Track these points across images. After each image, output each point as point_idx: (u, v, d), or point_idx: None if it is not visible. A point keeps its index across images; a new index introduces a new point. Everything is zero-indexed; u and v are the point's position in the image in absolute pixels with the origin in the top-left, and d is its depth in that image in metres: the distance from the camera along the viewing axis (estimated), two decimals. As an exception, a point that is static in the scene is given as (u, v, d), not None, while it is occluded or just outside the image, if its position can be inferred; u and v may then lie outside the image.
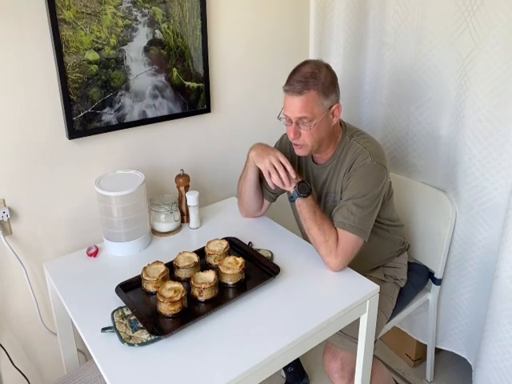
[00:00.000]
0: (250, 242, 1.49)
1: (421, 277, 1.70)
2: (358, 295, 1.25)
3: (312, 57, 1.99)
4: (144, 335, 1.10)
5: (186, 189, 1.62)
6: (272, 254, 1.43)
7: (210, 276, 1.24)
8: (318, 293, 1.27)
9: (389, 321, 1.53)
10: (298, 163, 1.52)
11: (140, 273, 1.28)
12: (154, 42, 1.52)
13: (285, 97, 1.31)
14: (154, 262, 1.31)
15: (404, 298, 1.60)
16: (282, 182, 1.37)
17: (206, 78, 1.69)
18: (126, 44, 1.47)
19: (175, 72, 1.60)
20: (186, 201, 1.58)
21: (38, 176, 1.44)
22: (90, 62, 1.41)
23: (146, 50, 1.52)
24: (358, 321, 1.30)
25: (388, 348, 2.07)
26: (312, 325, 1.14)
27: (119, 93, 1.50)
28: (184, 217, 1.63)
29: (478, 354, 1.55)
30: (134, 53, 1.49)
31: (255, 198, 1.57)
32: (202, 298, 1.21)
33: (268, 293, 1.26)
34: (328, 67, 1.32)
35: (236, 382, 1.01)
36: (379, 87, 1.82)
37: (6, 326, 1.50)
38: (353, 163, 1.35)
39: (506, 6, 1.30)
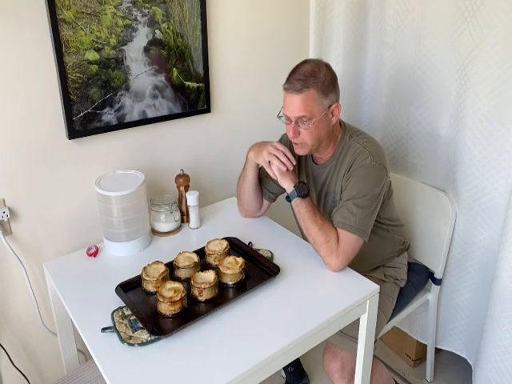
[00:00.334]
0: (250, 242, 1.49)
1: (421, 277, 1.70)
2: (357, 295, 1.25)
3: (312, 57, 1.99)
4: (144, 335, 1.10)
5: (186, 189, 1.62)
6: (272, 254, 1.43)
7: (210, 276, 1.24)
8: (318, 293, 1.27)
9: (389, 321, 1.53)
10: (297, 163, 1.52)
11: (140, 273, 1.28)
12: (153, 42, 1.52)
13: (284, 95, 1.31)
14: (154, 262, 1.31)
15: (404, 298, 1.60)
16: (284, 165, 1.35)
17: (206, 78, 1.69)
18: (126, 44, 1.47)
19: (175, 72, 1.60)
20: (186, 201, 1.58)
21: (37, 176, 1.44)
22: (89, 62, 1.41)
23: (146, 50, 1.52)
24: (357, 321, 1.30)
25: (388, 348, 2.07)
26: (312, 325, 1.14)
27: (119, 93, 1.50)
28: (184, 217, 1.63)
29: (477, 354, 1.55)
30: (134, 53, 1.49)
31: (255, 198, 1.57)
32: (201, 298, 1.21)
33: (268, 293, 1.26)
34: (328, 66, 1.32)
35: (236, 382, 1.01)
36: (379, 87, 1.82)
37: (5, 326, 1.50)
38: (352, 163, 1.35)
39: (506, 5, 1.30)
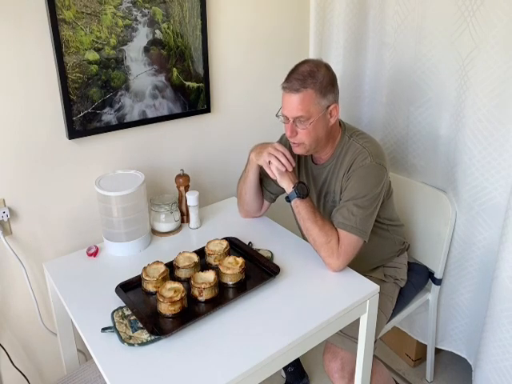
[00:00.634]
0: (250, 242, 1.49)
1: (421, 277, 1.70)
2: (358, 295, 1.25)
3: (312, 57, 1.99)
4: (144, 335, 1.10)
5: (186, 189, 1.62)
6: (272, 254, 1.43)
7: (210, 276, 1.24)
8: (318, 293, 1.27)
9: (389, 321, 1.53)
10: (297, 163, 1.52)
11: (140, 273, 1.28)
12: (154, 42, 1.52)
13: (282, 94, 1.31)
14: (154, 262, 1.31)
15: (404, 298, 1.60)
16: (284, 166, 1.35)
17: (206, 78, 1.69)
18: (126, 44, 1.47)
19: (175, 72, 1.61)
20: (186, 201, 1.58)
21: (38, 176, 1.44)
22: (90, 62, 1.41)
23: (146, 49, 1.52)
24: (358, 321, 1.30)
25: (388, 348, 2.07)
26: (312, 325, 1.14)
27: (119, 93, 1.50)
28: (184, 217, 1.63)
29: (477, 353, 1.55)
30: (134, 53, 1.49)
31: (255, 198, 1.57)
32: (201, 298, 1.21)
33: (268, 293, 1.26)
34: (327, 67, 1.32)
35: (236, 382, 1.01)
36: (379, 87, 1.82)
37: (6, 326, 1.50)
38: (352, 163, 1.35)
39: (506, 5, 1.30)
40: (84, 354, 1.63)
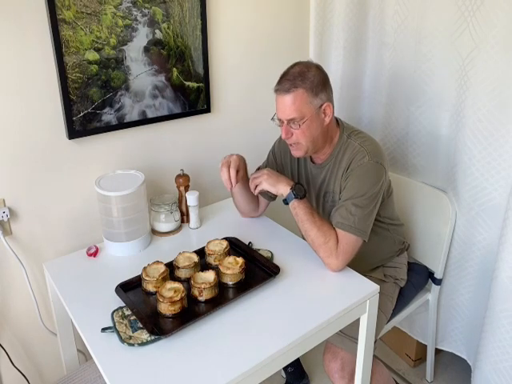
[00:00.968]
0: (249, 242, 1.49)
1: (421, 277, 1.70)
2: (357, 295, 1.25)
3: (312, 57, 2.00)
4: (144, 335, 1.10)
5: (186, 189, 1.62)
6: (272, 254, 1.43)
7: (210, 276, 1.24)
8: (318, 293, 1.27)
9: (389, 321, 1.53)
10: (297, 163, 1.52)
11: (140, 273, 1.28)
12: (154, 42, 1.52)
13: (275, 97, 1.33)
14: (154, 262, 1.30)
15: (404, 297, 1.60)
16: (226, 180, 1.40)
17: (206, 78, 1.69)
18: (126, 44, 1.47)
19: (175, 72, 1.61)
20: (186, 201, 1.58)
21: (37, 176, 1.44)
22: (90, 62, 1.41)
23: (146, 49, 1.52)
24: (358, 321, 1.30)
25: (388, 348, 2.07)
26: (312, 325, 1.14)
27: (119, 93, 1.50)
28: (184, 217, 1.63)
29: (477, 354, 1.55)
30: (134, 53, 1.49)
31: (248, 202, 1.58)
32: (202, 298, 1.21)
33: (268, 293, 1.26)
34: (318, 67, 1.33)
35: (236, 382, 1.01)
36: (379, 87, 1.82)
37: (6, 326, 1.50)
38: (350, 163, 1.35)
39: (506, 6, 1.30)
40: (84, 354, 1.63)
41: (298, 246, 1.47)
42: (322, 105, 1.31)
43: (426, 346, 1.85)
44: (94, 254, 1.45)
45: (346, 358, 1.37)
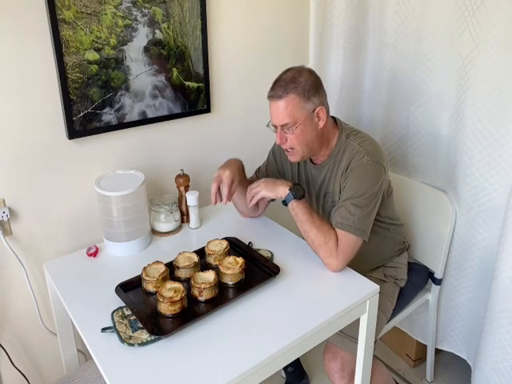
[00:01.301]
0: (249, 242, 1.49)
1: (421, 277, 1.70)
2: (357, 295, 1.25)
3: (312, 57, 2.00)
4: (144, 335, 1.10)
5: (186, 189, 1.62)
6: (272, 254, 1.42)
7: (210, 276, 1.24)
8: (318, 293, 1.27)
9: (389, 321, 1.53)
10: (296, 164, 1.52)
11: (140, 273, 1.28)
12: (154, 42, 1.53)
13: (269, 104, 1.34)
14: (154, 262, 1.30)
15: (404, 297, 1.60)
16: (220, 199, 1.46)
17: (206, 78, 1.69)
18: (126, 44, 1.47)
19: (175, 72, 1.61)
20: (186, 201, 1.58)
21: (37, 176, 1.44)
22: (90, 62, 1.41)
23: (146, 49, 1.52)
24: (358, 321, 1.30)
25: (388, 348, 2.07)
26: (312, 325, 1.14)
27: (119, 93, 1.50)
28: (184, 217, 1.63)
29: (476, 354, 1.55)
30: (134, 53, 1.49)
31: (246, 204, 1.57)
32: (202, 298, 1.21)
33: (268, 293, 1.26)
34: (310, 71, 1.33)
35: (236, 382, 1.01)
36: (379, 87, 1.82)
37: (6, 326, 1.50)
38: (350, 163, 1.35)
39: (506, 6, 1.30)
40: (84, 354, 1.63)
41: (298, 246, 1.47)
42: (314, 109, 1.31)
43: (425, 346, 1.85)
44: (94, 254, 1.45)
45: (346, 358, 1.37)
